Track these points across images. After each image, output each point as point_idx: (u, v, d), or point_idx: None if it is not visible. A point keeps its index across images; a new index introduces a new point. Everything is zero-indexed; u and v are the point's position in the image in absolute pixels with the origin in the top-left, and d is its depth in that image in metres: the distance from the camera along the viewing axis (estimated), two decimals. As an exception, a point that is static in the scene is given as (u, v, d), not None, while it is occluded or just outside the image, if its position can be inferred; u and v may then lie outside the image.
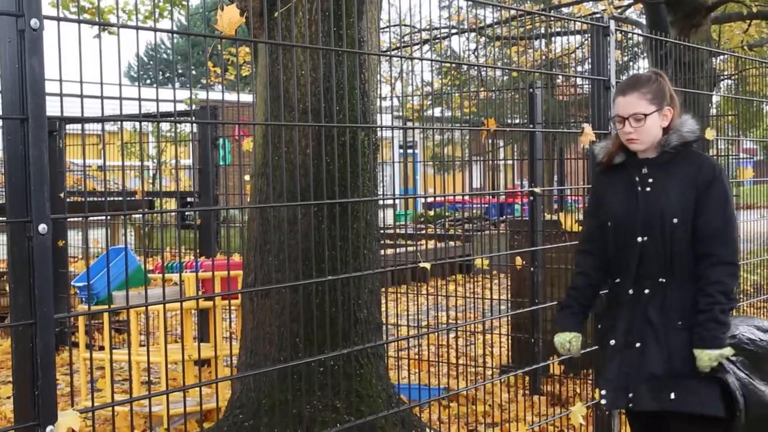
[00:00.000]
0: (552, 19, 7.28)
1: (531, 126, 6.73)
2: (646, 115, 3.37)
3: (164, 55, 33.64)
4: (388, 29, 13.30)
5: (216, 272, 5.28)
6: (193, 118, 7.42)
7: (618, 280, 3.56)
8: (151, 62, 34.92)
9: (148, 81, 33.55)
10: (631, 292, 3.46)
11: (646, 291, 3.42)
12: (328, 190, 4.62)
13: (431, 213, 14.38)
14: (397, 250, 8.86)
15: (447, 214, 13.65)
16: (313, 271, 4.58)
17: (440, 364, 6.13)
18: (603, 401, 3.50)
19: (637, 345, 3.41)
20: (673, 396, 3.31)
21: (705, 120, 9.43)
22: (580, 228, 4.12)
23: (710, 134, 5.26)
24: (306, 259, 4.55)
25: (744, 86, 10.17)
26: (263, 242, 4.87)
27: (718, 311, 3.25)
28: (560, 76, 11.69)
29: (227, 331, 6.66)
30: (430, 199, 13.75)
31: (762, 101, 8.35)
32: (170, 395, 5.70)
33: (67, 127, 9.27)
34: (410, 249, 9.38)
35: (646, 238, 3.39)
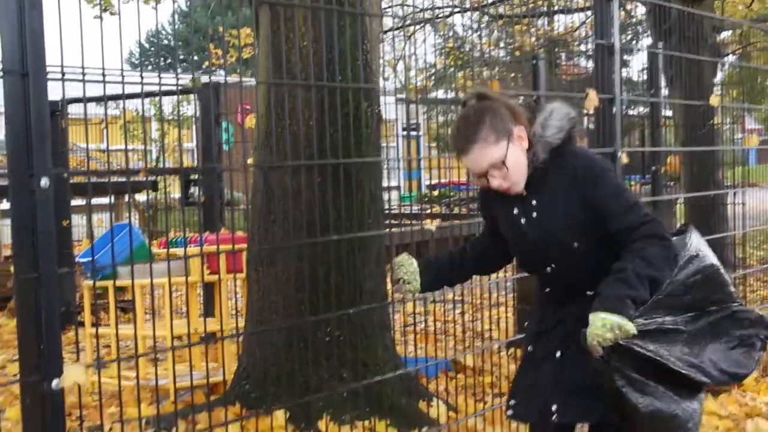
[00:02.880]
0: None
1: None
2: (503, 161, 2.75)
3: (165, 41, 33.54)
4: (390, 8, 13.26)
5: (221, 246, 5.27)
6: (195, 95, 7.41)
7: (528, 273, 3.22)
8: (152, 48, 34.94)
9: (150, 67, 33.48)
10: (547, 290, 3.02)
11: (563, 298, 2.95)
12: (332, 159, 4.59)
13: (436, 193, 14.34)
14: (402, 229, 8.84)
15: (451, 194, 13.62)
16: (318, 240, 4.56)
17: (446, 337, 6.12)
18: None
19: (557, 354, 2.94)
20: (554, 408, 2.87)
21: (708, 92, 9.38)
22: None
23: (715, 101, 5.20)
24: (310, 228, 4.53)
25: (748, 61, 10.13)
26: (267, 212, 4.84)
27: (631, 272, 2.61)
28: (563, 57, 11.63)
29: (233, 309, 6.63)
30: (434, 180, 13.71)
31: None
32: (176, 369, 5.71)
33: (70, 112, 9.24)
34: (416, 228, 9.36)
35: (552, 266, 2.90)
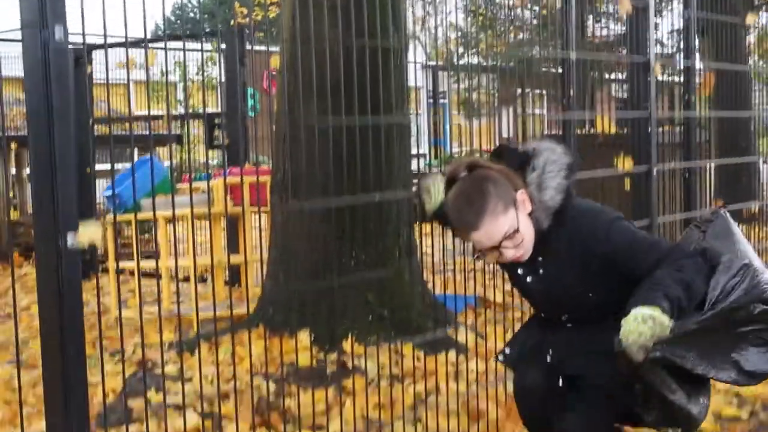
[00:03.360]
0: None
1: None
2: (516, 229, 2.57)
3: (191, 14, 33.54)
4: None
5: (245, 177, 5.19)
6: (221, 38, 7.32)
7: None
8: (178, 21, 34.89)
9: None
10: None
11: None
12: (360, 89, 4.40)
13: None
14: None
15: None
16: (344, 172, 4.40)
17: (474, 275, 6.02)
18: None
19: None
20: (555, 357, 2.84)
21: (742, 54, 9.18)
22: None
23: (751, 18, 5.01)
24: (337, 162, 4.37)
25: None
26: (292, 140, 4.73)
27: (661, 275, 2.50)
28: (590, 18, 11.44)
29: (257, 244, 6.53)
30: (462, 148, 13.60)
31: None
32: (200, 302, 5.65)
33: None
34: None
35: (567, 315, 2.81)
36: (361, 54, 3.99)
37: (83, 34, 2.46)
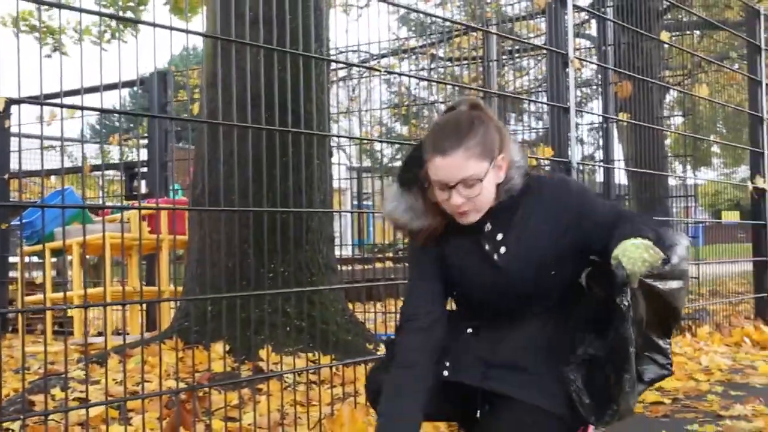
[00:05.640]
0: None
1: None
2: (480, 179, 2.37)
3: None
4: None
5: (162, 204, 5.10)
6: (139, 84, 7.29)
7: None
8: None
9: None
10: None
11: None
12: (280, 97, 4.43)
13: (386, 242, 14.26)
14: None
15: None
16: (264, 182, 4.39)
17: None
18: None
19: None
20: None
21: (658, 121, 9.48)
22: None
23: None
24: (256, 169, 4.33)
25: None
26: (213, 153, 4.68)
27: (639, 217, 2.43)
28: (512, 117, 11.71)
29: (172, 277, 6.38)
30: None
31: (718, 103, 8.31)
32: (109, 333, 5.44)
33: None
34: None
35: (521, 302, 2.52)
36: (283, 66, 3.99)
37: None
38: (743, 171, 8.54)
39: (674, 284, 2.35)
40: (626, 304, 2.26)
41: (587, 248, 2.47)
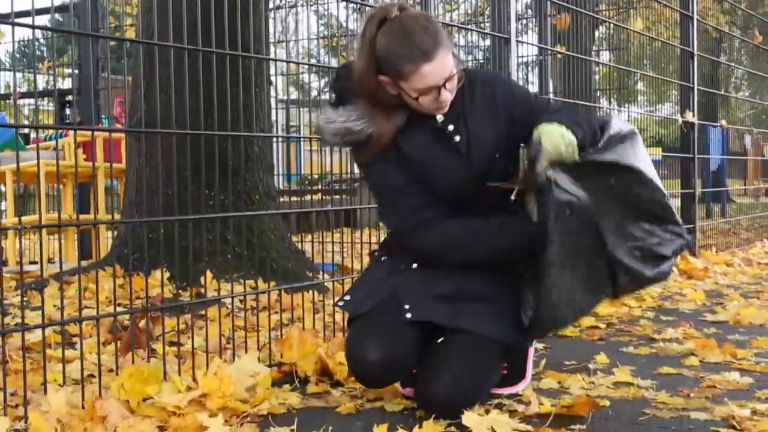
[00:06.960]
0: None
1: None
2: (454, 71, 2.40)
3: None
4: None
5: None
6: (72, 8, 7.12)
7: None
8: None
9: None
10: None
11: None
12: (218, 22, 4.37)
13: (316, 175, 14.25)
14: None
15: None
16: (201, 108, 4.33)
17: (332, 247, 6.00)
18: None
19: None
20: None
21: (591, 56, 9.56)
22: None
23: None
24: (194, 95, 4.28)
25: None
26: (150, 79, 4.62)
27: (574, 110, 2.49)
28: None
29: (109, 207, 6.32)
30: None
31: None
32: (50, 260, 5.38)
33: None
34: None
35: (479, 196, 2.53)
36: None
37: None
38: (666, 108, 8.66)
39: (608, 156, 2.41)
40: (547, 176, 2.31)
41: (522, 133, 2.51)
